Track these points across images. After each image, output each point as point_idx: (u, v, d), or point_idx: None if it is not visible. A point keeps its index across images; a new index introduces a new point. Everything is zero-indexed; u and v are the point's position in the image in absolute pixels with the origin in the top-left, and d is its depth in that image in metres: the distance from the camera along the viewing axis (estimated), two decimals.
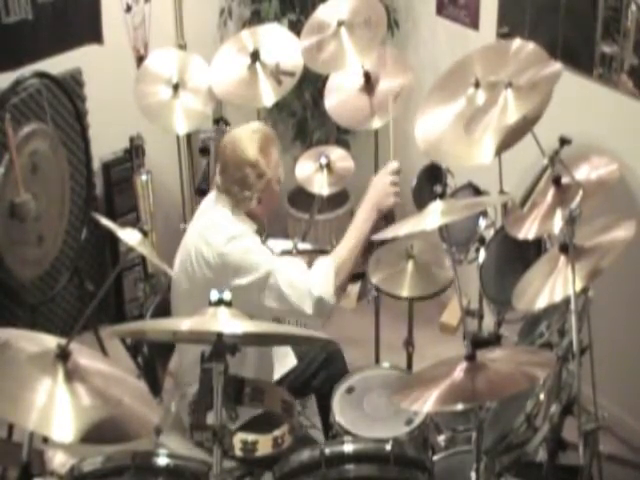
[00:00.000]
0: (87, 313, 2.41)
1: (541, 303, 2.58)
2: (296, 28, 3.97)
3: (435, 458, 2.83)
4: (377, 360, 3.77)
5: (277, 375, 3.28)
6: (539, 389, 2.77)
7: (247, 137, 3.06)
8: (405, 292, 3.18)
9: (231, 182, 3.04)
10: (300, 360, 3.33)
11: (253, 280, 2.95)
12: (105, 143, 4.33)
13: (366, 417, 3.02)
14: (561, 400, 2.74)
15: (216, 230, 3.02)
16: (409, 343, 3.57)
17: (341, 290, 3.03)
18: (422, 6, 4.39)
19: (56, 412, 1.98)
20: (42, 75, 3.93)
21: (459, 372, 2.27)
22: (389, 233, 2.82)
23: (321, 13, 3.63)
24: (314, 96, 4.43)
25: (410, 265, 3.18)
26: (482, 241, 3.41)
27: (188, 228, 3.18)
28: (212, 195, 3.15)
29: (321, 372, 3.32)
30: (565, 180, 2.67)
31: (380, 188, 3.07)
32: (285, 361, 3.33)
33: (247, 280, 2.94)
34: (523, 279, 2.73)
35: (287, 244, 3.45)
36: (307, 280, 3.00)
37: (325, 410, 3.21)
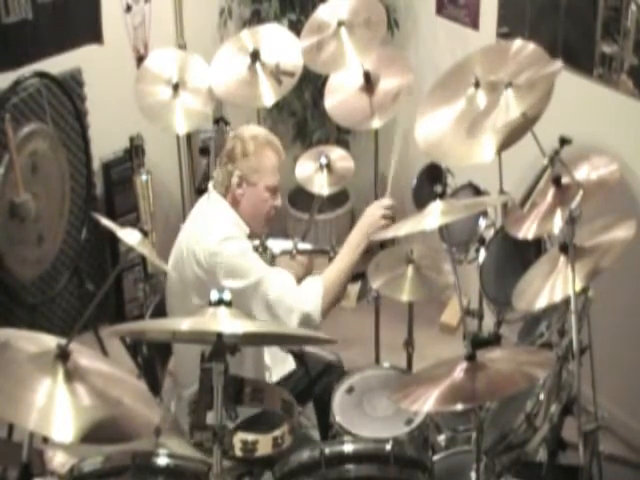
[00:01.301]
0: (87, 313, 2.41)
1: (541, 303, 2.58)
2: (296, 28, 3.97)
3: (435, 458, 2.82)
4: (377, 360, 3.77)
5: (275, 377, 3.28)
6: (539, 389, 2.76)
7: (254, 126, 3.24)
8: (405, 296, 3.18)
9: (223, 154, 3.13)
10: (299, 367, 3.33)
11: (243, 286, 2.96)
12: (105, 143, 4.33)
13: (366, 417, 3.02)
14: (561, 400, 2.74)
15: (209, 230, 3.03)
16: (409, 343, 3.57)
17: (327, 312, 3.06)
18: (422, 6, 4.39)
19: (56, 412, 1.97)
20: (42, 75, 3.93)
21: (459, 372, 2.27)
22: (389, 233, 2.83)
23: (321, 13, 3.62)
24: (314, 96, 4.43)
25: (410, 270, 3.18)
26: (482, 241, 3.41)
27: (181, 228, 3.19)
28: (206, 196, 3.16)
29: (320, 381, 3.32)
30: (565, 180, 2.67)
31: (372, 220, 3.16)
32: (283, 365, 3.33)
33: (237, 285, 2.94)
34: (523, 279, 2.73)
35: (287, 244, 3.45)
36: (296, 295, 3.03)
37: (323, 418, 3.20)
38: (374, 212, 3.18)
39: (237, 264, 2.98)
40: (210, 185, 3.17)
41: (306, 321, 3.00)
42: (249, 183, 3.08)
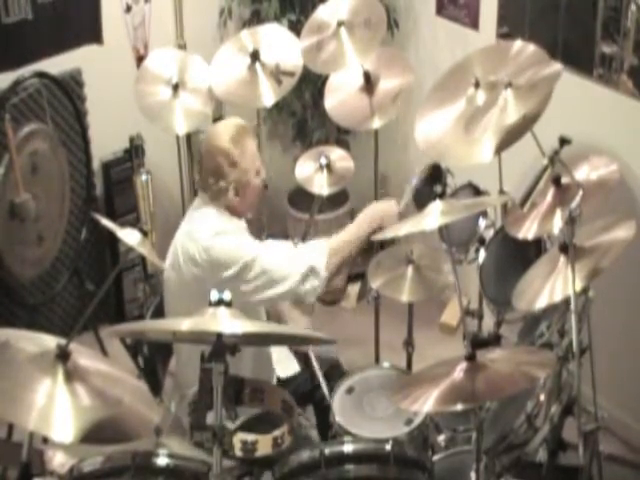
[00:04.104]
0: (87, 313, 2.41)
1: (541, 303, 2.58)
2: (296, 28, 3.96)
3: (435, 458, 2.82)
4: (377, 360, 3.77)
5: (282, 375, 3.29)
6: (539, 389, 2.77)
7: (219, 128, 3.17)
8: (405, 297, 3.18)
9: (207, 174, 3.07)
10: (304, 370, 3.33)
11: (239, 268, 2.96)
12: (105, 143, 4.33)
13: (366, 417, 3.02)
14: (561, 400, 2.74)
15: (201, 227, 3.04)
16: (409, 343, 3.57)
17: (332, 274, 3.04)
18: (422, 6, 4.39)
19: (56, 412, 1.97)
20: (42, 75, 3.93)
21: (459, 372, 2.27)
22: (389, 233, 2.83)
23: (321, 13, 3.62)
24: (314, 96, 4.43)
25: (410, 270, 3.18)
26: (482, 241, 3.41)
27: (177, 230, 3.19)
28: (197, 198, 3.16)
29: (320, 387, 3.31)
30: (565, 180, 2.67)
31: (390, 211, 3.17)
32: (287, 366, 3.32)
33: (235, 269, 2.96)
34: (523, 279, 2.73)
35: (287, 244, 3.45)
36: (296, 254, 3.05)
37: (323, 422, 3.20)
38: (394, 208, 3.19)
39: (232, 253, 2.99)
40: (199, 193, 3.16)
41: (310, 275, 3.00)
42: (244, 186, 3.08)
